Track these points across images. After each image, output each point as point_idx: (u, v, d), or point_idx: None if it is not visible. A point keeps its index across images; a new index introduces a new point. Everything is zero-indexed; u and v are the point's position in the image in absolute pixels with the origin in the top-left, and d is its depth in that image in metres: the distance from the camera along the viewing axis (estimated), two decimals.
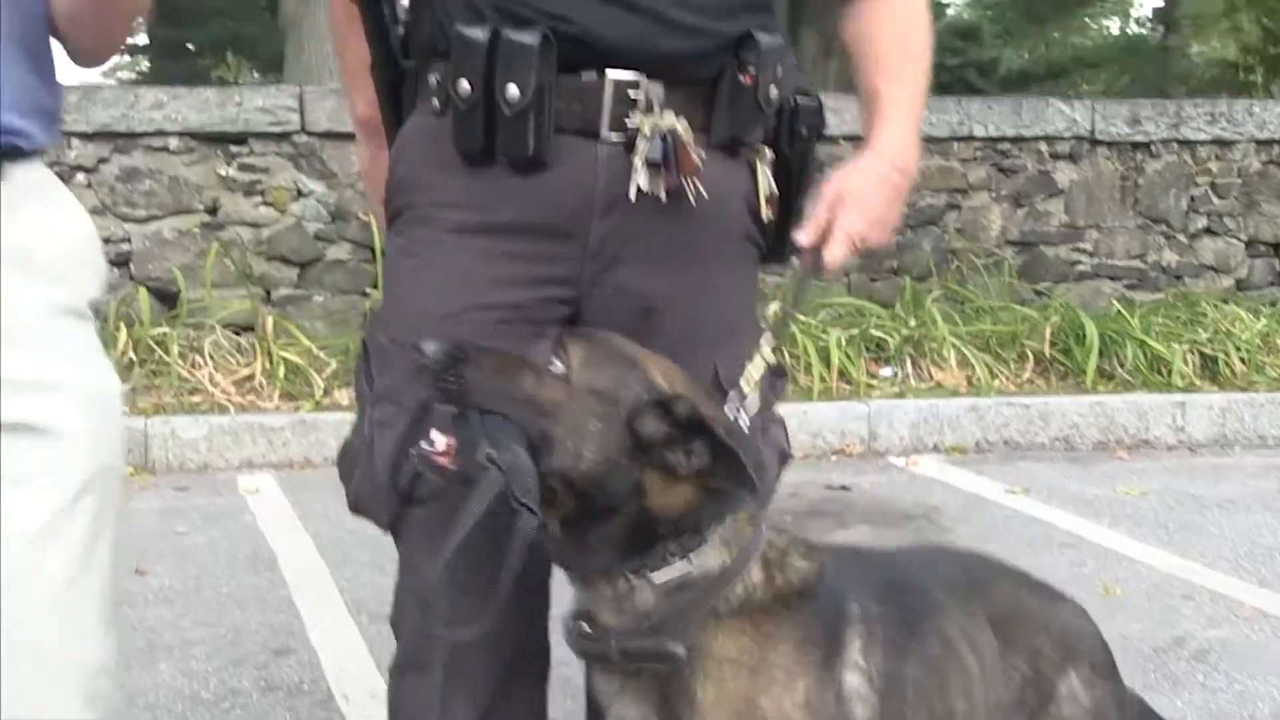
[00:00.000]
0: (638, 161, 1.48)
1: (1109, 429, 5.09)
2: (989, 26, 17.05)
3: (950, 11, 18.91)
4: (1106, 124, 6.29)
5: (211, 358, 4.99)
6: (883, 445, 4.93)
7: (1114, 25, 21.41)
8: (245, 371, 5.03)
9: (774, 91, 1.55)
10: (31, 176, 1.31)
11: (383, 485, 1.53)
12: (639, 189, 1.48)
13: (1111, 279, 6.39)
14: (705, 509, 1.35)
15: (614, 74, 1.48)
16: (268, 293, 5.49)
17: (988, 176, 6.24)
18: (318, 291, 5.54)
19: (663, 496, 1.34)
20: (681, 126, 1.48)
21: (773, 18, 1.58)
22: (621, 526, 1.34)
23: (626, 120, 1.48)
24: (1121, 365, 5.58)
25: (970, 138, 6.17)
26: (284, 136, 5.49)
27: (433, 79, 1.53)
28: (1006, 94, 18.16)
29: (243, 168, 5.48)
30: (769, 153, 1.61)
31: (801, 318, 5.27)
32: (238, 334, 5.22)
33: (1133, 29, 20.57)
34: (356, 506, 1.59)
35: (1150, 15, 19.81)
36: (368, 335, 1.61)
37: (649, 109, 1.49)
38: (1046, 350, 5.63)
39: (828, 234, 1.52)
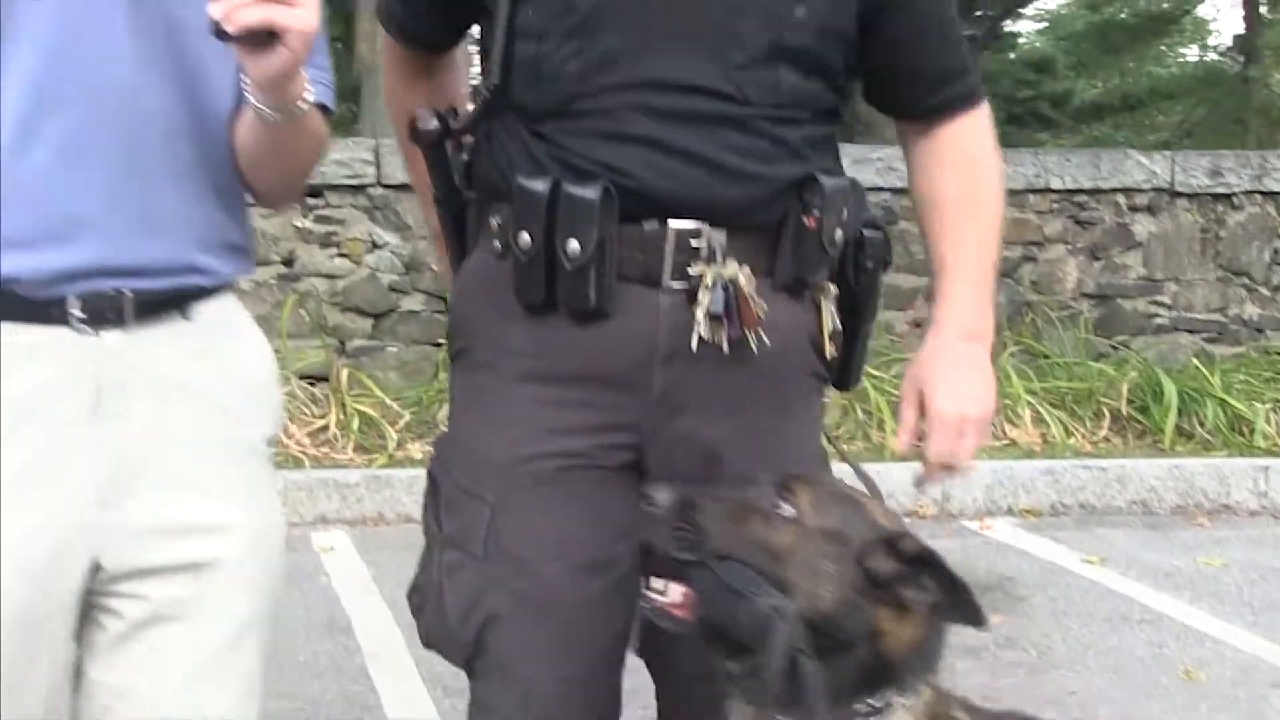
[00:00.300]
0: (699, 314, 1.47)
1: (1188, 493, 5.00)
2: (1062, 58, 16.88)
3: (1023, 42, 18.77)
4: (1186, 175, 6.20)
5: (287, 409, 5.05)
6: (956, 507, 4.88)
7: (1192, 53, 21.12)
8: (320, 423, 5.09)
9: (839, 234, 1.54)
10: (218, 313, 1.35)
11: (454, 630, 1.54)
12: (700, 339, 1.48)
13: (1190, 332, 6.29)
14: (930, 646, 1.37)
15: (676, 224, 1.48)
16: (342, 344, 5.55)
17: (1064, 229, 6.17)
18: (392, 342, 5.60)
19: (894, 634, 1.35)
20: (744, 275, 1.48)
21: (837, 158, 1.58)
22: (853, 667, 1.35)
23: (689, 269, 1.48)
24: (1201, 424, 5.48)
25: (1047, 190, 6.11)
26: (359, 189, 5.56)
27: (494, 221, 1.53)
28: (1080, 122, 18.01)
29: (319, 219, 5.56)
30: (833, 288, 1.59)
31: (874, 372, 5.24)
32: (312, 384, 5.29)
33: (1211, 58, 20.26)
34: (428, 642, 1.60)
35: (1230, 44, 19.50)
36: (435, 468, 1.62)
37: (711, 257, 1.48)
38: (1123, 408, 5.55)
39: (928, 430, 1.51)
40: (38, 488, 1.23)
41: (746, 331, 1.48)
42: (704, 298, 1.47)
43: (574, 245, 1.45)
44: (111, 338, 1.25)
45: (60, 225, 1.23)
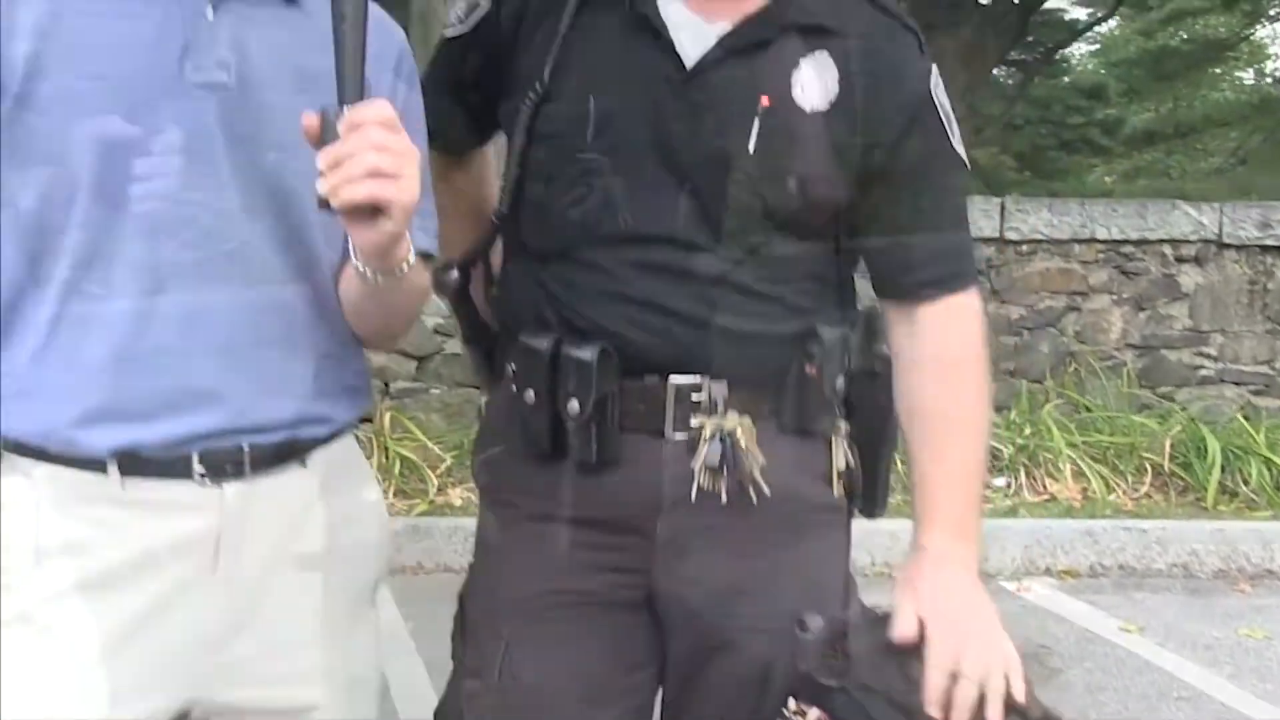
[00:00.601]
0: (695, 466, 1.51)
1: (1230, 557, 4.96)
2: (1114, 85, 16.74)
3: (1075, 65, 18.64)
4: (1235, 227, 6.14)
5: None
6: (994, 567, 4.85)
7: (1249, 77, 20.87)
8: None
9: (840, 382, 1.56)
10: (335, 456, 1.40)
11: None
12: (700, 489, 1.51)
13: (1236, 384, 6.23)
14: None
15: (676, 379, 1.51)
16: (386, 385, 5.61)
17: (1109, 279, 6.14)
18: (435, 385, 5.65)
19: None
20: (744, 426, 1.51)
21: (842, 302, 1.59)
22: None
23: (691, 420, 1.52)
24: (1245, 483, 5.43)
25: (1092, 240, 6.08)
26: None
27: (509, 368, 1.58)
28: (1132, 148, 17.82)
29: None
30: (844, 425, 1.60)
31: None
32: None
33: (1268, 83, 20.02)
34: None
35: None
36: (465, 594, 1.67)
37: (712, 409, 1.52)
38: (1166, 464, 5.50)
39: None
40: (149, 633, 1.29)
41: (745, 481, 1.51)
42: (702, 449, 1.51)
43: (574, 405, 1.50)
44: (232, 489, 1.31)
45: (180, 396, 1.28)
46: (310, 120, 1.18)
